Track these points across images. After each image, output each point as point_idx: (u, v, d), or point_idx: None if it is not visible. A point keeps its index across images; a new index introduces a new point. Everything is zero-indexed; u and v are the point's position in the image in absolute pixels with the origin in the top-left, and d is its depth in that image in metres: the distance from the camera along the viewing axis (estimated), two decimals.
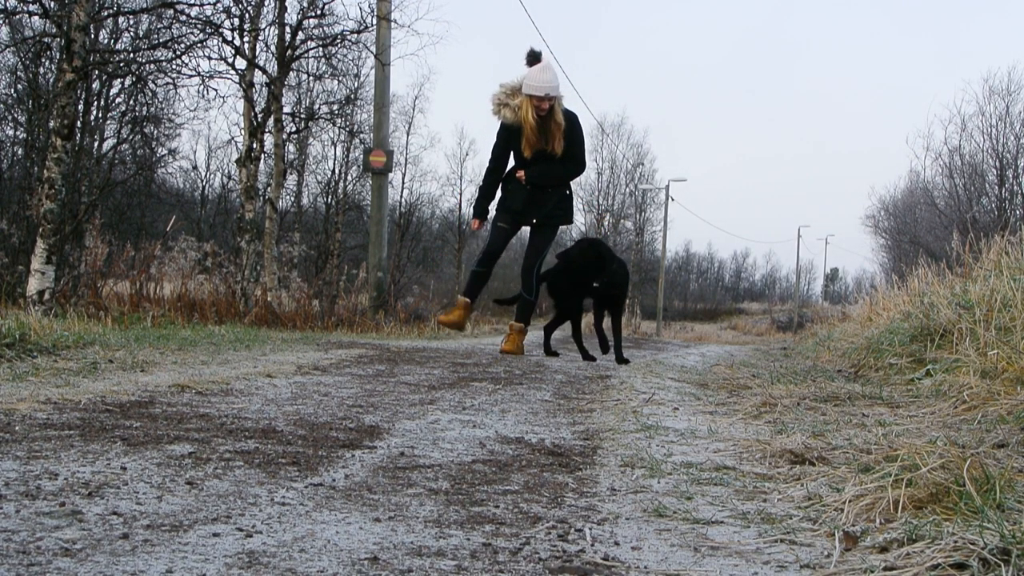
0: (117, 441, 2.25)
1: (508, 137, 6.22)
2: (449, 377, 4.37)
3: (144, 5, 13.25)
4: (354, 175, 24.92)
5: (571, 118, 6.27)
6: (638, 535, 1.65)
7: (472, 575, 1.38)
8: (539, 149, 6.15)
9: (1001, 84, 26.26)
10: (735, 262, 72.31)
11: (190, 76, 11.84)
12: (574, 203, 6.63)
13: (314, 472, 2.04)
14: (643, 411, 3.34)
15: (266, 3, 13.05)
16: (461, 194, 32.75)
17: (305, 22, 12.97)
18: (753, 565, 1.50)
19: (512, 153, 6.30)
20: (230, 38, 11.56)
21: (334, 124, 21.80)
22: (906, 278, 8.83)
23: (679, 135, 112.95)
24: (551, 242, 6.47)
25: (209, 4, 10.44)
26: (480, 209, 6.54)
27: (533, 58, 6.16)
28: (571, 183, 6.46)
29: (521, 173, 6.24)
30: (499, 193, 6.40)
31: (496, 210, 6.46)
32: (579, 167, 6.42)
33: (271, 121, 12.75)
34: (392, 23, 12.70)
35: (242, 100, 12.96)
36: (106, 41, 16.26)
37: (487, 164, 6.42)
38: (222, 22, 11.28)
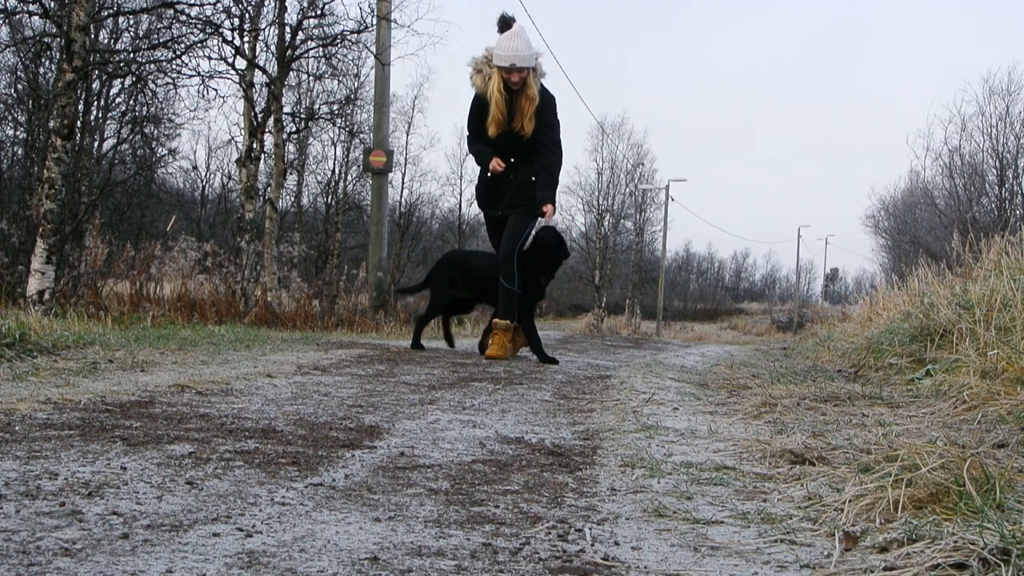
0: (117, 441, 2.25)
1: (478, 107, 5.58)
2: (449, 377, 4.36)
3: (144, 5, 13.25)
4: (354, 175, 24.93)
5: (546, 99, 5.57)
6: (638, 535, 1.65)
7: (472, 575, 1.38)
8: (505, 131, 5.54)
9: (1001, 84, 26.28)
10: (735, 262, 72.39)
11: (190, 76, 11.83)
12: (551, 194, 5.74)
13: (314, 472, 2.03)
14: (643, 411, 3.34)
15: (266, 3, 13.04)
16: (461, 194, 32.75)
17: (305, 22, 12.97)
18: (753, 565, 1.50)
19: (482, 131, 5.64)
20: (230, 38, 11.56)
21: (334, 124, 21.81)
22: (906, 278, 8.82)
23: (679, 135, 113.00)
24: (525, 227, 5.64)
25: (209, 4, 10.44)
26: (485, 159, 5.69)
27: (503, 24, 5.46)
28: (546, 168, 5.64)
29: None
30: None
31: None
32: (555, 152, 5.61)
33: (271, 121, 12.75)
34: (392, 23, 12.71)
35: (242, 100, 12.96)
36: (106, 41, 16.27)
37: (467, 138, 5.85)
38: (222, 22, 11.28)
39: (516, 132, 5.57)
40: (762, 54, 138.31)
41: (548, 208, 5.59)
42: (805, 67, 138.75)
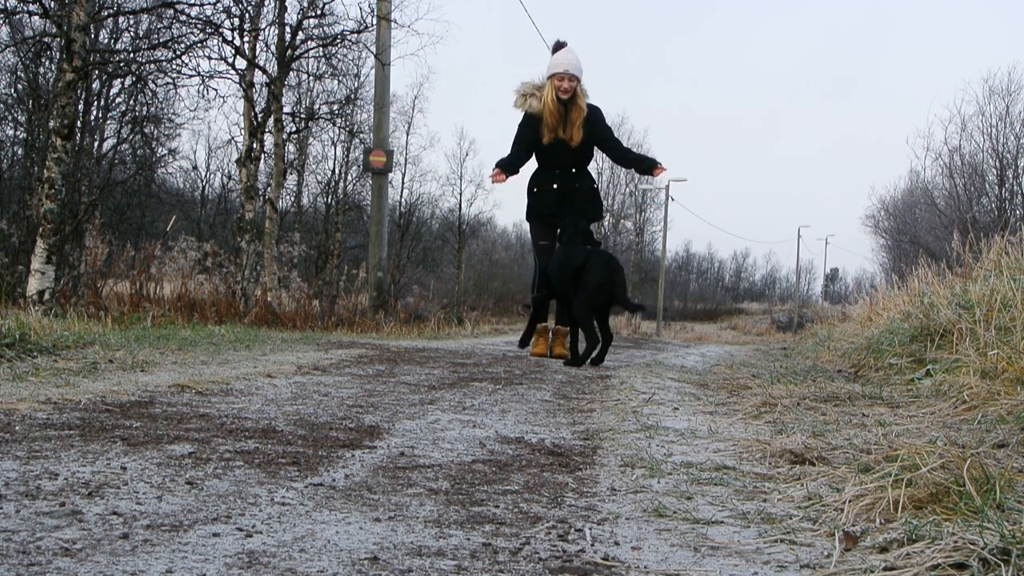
0: (117, 441, 2.25)
1: (529, 124, 6.20)
2: (449, 377, 4.37)
3: (144, 5, 13.25)
4: (354, 175, 24.91)
5: (593, 109, 6.31)
6: (638, 535, 1.65)
7: (472, 575, 1.38)
8: (558, 136, 6.16)
9: (1001, 84, 26.25)
10: (735, 262, 72.37)
11: (190, 76, 11.82)
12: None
13: (314, 472, 2.03)
14: (643, 411, 3.34)
15: (266, 3, 13.03)
16: (461, 194, 32.73)
17: (305, 22, 12.95)
18: (753, 565, 1.49)
19: (533, 145, 6.23)
20: (230, 38, 11.55)
21: (334, 124, 21.79)
22: (906, 278, 8.82)
23: (679, 135, 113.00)
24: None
25: (209, 4, 10.43)
26: (504, 163, 6.14)
27: (558, 46, 6.30)
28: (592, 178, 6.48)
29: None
30: (528, 199, 6.31)
31: (530, 222, 6.31)
32: (621, 143, 6.58)
33: (271, 121, 12.74)
34: (392, 23, 12.70)
35: (242, 100, 12.97)
36: (106, 41, 16.26)
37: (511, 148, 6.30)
38: (222, 22, 11.26)
39: (565, 140, 6.23)
40: (762, 50, 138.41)
41: (660, 168, 6.32)
42: (806, 65, 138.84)
